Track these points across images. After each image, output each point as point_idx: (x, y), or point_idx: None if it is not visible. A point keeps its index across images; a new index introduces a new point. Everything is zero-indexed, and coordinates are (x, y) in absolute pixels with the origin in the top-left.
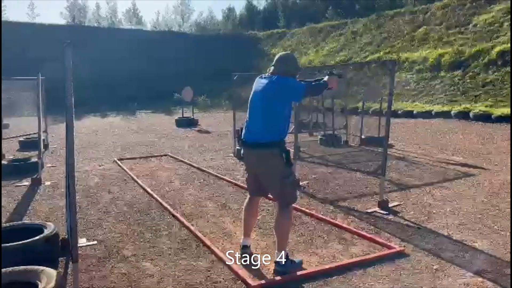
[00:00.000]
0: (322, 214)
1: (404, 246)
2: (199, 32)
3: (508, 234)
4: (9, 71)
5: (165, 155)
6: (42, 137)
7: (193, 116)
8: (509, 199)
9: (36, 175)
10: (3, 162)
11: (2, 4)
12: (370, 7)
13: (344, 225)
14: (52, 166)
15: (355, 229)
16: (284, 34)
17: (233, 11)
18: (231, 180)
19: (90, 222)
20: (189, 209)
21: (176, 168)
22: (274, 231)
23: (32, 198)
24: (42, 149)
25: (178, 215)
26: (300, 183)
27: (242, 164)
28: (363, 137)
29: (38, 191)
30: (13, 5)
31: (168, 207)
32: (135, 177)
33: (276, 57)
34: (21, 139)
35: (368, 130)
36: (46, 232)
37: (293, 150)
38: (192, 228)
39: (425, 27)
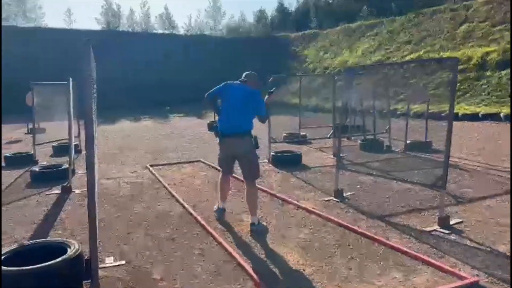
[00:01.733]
0: (372, 233)
1: (477, 275)
2: (231, 35)
3: None
4: (48, 76)
5: (198, 161)
6: (75, 142)
7: None
8: None
9: (66, 183)
10: (35, 168)
11: (41, 11)
12: (407, 5)
13: (402, 248)
14: (84, 173)
15: (415, 253)
16: (317, 35)
17: (264, 13)
18: (267, 190)
19: (119, 237)
20: (223, 223)
21: (209, 175)
22: (247, 202)
23: (61, 208)
24: (74, 155)
25: (212, 231)
26: (344, 194)
27: (278, 172)
28: (408, 141)
29: (68, 200)
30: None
31: (201, 220)
32: (167, 186)
33: (247, 73)
34: (54, 144)
35: (411, 134)
36: (69, 252)
37: (331, 156)
38: (229, 248)
39: (468, 24)
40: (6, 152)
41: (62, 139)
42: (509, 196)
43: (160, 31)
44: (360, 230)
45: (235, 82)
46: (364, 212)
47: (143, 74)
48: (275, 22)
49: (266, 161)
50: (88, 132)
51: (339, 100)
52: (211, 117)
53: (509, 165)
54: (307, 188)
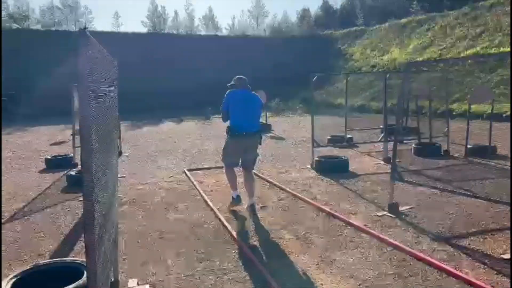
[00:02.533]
0: (438, 259)
1: None
2: (273, 35)
3: None
4: None
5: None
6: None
7: (266, 121)
8: None
9: None
10: (72, 172)
11: (90, 16)
12: None
13: (481, 284)
14: (121, 177)
15: None
16: (363, 32)
17: (308, 12)
18: (311, 201)
19: (147, 253)
20: (261, 240)
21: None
22: (247, 186)
23: None
24: None
25: (248, 251)
26: (400, 208)
27: (322, 179)
28: (469, 146)
29: None
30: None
31: (236, 235)
32: (203, 193)
33: (240, 77)
34: None
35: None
36: (84, 277)
37: (381, 162)
38: (266, 275)
39: None
40: (48, 154)
41: None
42: None
43: (203, 33)
44: (424, 256)
45: (237, 89)
46: (425, 231)
47: (187, 75)
48: (319, 20)
49: (309, 166)
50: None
51: (391, 100)
52: None
53: None
54: (356, 200)
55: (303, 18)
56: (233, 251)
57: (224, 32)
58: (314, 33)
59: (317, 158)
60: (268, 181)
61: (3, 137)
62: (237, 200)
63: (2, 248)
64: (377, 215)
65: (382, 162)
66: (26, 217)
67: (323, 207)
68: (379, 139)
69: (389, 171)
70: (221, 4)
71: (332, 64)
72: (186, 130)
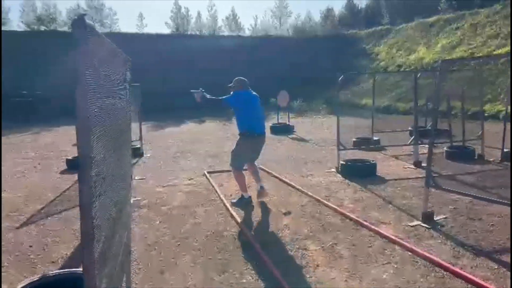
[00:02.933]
0: (482, 277)
1: None
2: (296, 35)
3: None
4: None
5: (259, 168)
6: (137, 145)
7: (289, 122)
8: None
9: None
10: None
11: (115, 17)
12: None
13: None
14: (141, 179)
15: None
16: (389, 31)
17: (332, 12)
18: (337, 208)
19: (163, 262)
20: (284, 251)
21: (270, 186)
22: (255, 176)
23: None
24: (133, 160)
25: (270, 263)
26: (435, 218)
27: (349, 184)
28: (505, 150)
29: None
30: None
31: (257, 245)
32: (223, 197)
33: (241, 78)
34: None
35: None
36: None
37: (411, 166)
38: None
39: None
40: (70, 154)
41: None
42: None
43: (226, 33)
44: (464, 273)
45: (241, 90)
46: (464, 244)
47: (209, 76)
48: (343, 20)
49: (334, 170)
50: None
51: (419, 100)
52: (274, 119)
53: None
54: (386, 208)
55: (327, 18)
56: (254, 263)
57: (247, 32)
58: (338, 32)
59: (342, 162)
60: (290, 185)
61: (30, 136)
62: (248, 200)
63: (16, 254)
64: (410, 225)
65: (412, 166)
66: (42, 221)
67: (350, 214)
68: (409, 141)
69: (420, 176)
70: (244, 4)
71: (357, 64)
72: (207, 131)
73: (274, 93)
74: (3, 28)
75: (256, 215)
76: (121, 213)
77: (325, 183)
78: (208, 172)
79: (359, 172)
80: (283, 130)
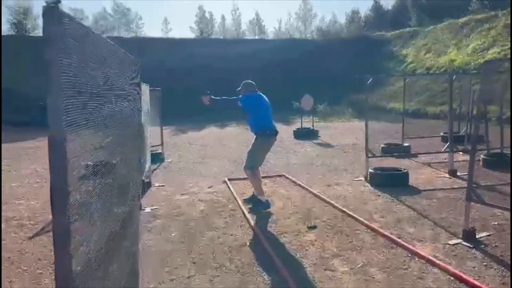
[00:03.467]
0: None
1: None
2: (321, 37)
3: None
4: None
5: (281, 176)
6: (158, 150)
7: (313, 126)
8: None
9: None
10: None
11: (140, 22)
12: None
13: None
14: (160, 186)
15: None
16: (417, 33)
17: (358, 14)
18: (367, 223)
19: (176, 283)
20: (310, 272)
21: (292, 195)
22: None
23: None
24: (154, 165)
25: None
26: (477, 235)
27: (379, 195)
28: None
29: None
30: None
31: (280, 265)
32: (243, 207)
33: (249, 81)
34: None
35: None
36: None
37: (445, 175)
38: None
39: None
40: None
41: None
42: None
43: (249, 37)
44: None
45: (253, 93)
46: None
47: (232, 80)
48: (369, 22)
49: (362, 179)
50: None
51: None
52: (298, 123)
53: None
54: (422, 223)
55: (353, 20)
56: (277, 280)
57: (271, 35)
58: (364, 34)
59: (371, 170)
60: (315, 195)
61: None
62: (267, 205)
63: (24, 268)
64: (450, 244)
65: (446, 175)
66: None
67: (382, 230)
68: (444, 148)
69: (456, 186)
70: (269, 7)
71: (383, 67)
72: (229, 135)
73: (298, 97)
74: (34, 34)
75: (278, 228)
76: (125, 229)
77: (353, 193)
78: (229, 180)
79: (390, 182)
80: (307, 134)
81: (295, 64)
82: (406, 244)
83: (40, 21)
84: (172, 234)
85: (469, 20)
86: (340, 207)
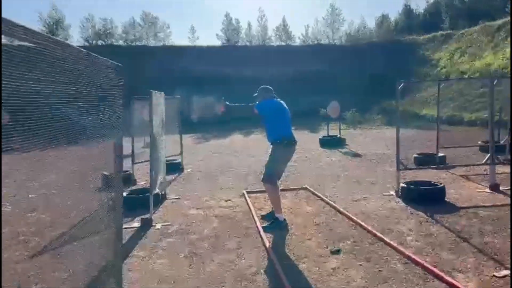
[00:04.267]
0: None
1: None
2: (349, 42)
3: None
4: (172, 90)
5: (303, 189)
6: (177, 160)
7: (340, 134)
8: None
9: (147, 215)
10: (123, 194)
11: (168, 30)
12: None
13: None
14: (176, 198)
15: None
16: (450, 36)
17: (387, 18)
18: (399, 248)
19: None
20: None
21: (315, 211)
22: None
23: (131, 252)
24: (170, 176)
25: None
26: None
27: (411, 213)
28: None
29: (143, 239)
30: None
31: None
32: (259, 226)
33: (266, 86)
34: None
35: None
36: None
37: (486, 189)
38: None
39: None
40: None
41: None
42: None
43: (277, 43)
44: None
45: (269, 99)
46: None
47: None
48: (399, 25)
49: (393, 193)
50: None
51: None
52: (324, 131)
53: None
54: (462, 248)
55: (382, 24)
56: None
57: (298, 41)
58: (394, 39)
59: (403, 184)
60: (340, 212)
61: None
62: (284, 224)
63: None
64: (497, 276)
65: (487, 190)
66: (59, 249)
67: (416, 258)
68: (484, 160)
69: (499, 203)
70: (295, 14)
71: (415, 71)
72: (252, 143)
73: (325, 103)
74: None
75: (297, 251)
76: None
77: (383, 210)
78: (248, 192)
79: (425, 197)
80: (333, 143)
81: (322, 70)
82: (445, 276)
83: (72, 32)
84: (181, 257)
85: (505, 22)
86: (369, 228)
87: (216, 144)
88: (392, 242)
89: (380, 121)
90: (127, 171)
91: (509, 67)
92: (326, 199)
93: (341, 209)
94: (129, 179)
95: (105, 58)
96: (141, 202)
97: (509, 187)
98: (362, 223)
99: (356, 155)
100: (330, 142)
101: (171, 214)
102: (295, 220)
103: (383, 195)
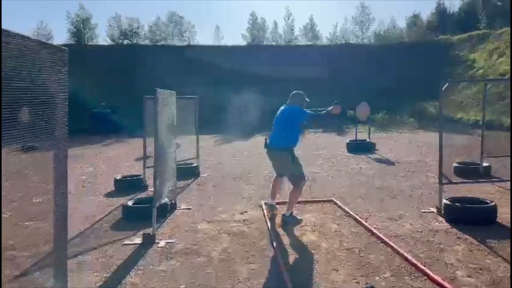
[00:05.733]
0: None
1: None
2: (379, 42)
3: None
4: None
5: (329, 201)
6: (194, 164)
7: (369, 138)
8: None
9: (150, 230)
10: (129, 202)
11: (193, 30)
12: None
13: None
14: (186, 209)
15: None
16: (487, 36)
17: (419, 17)
18: (446, 286)
19: None
20: None
21: (343, 232)
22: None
23: (124, 278)
24: (175, 184)
25: None
26: None
27: (458, 237)
28: None
29: (143, 259)
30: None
31: None
32: (275, 247)
33: (293, 92)
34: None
35: None
36: None
37: None
38: None
39: None
40: (127, 170)
41: (183, 160)
42: None
43: (303, 43)
44: None
45: (288, 104)
46: None
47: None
48: (432, 25)
49: (434, 211)
50: None
51: None
52: (352, 135)
53: None
54: None
55: (414, 23)
56: None
57: (325, 41)
58: (426, 38)
59: (447, 200)
60: (373, 233)
61: (98, 148)
62: (273, 206)
63: None
64: None
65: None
66: (50, 268)
67: None
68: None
69: None
70: (323, 12)
71: (449, 72)
72: None
73: (354, 104)
74: (92, 42)
75: (320, 283)
76: None
77: (423, 232)
78: (266, 204)
79: (474, 218)
80: (362, 148)
81: (350, 70)
82: None
83: (98, 31)
84: (182, 286)
85: None
86: (409, 257)
87: (238, 146)
88: (439, 279)
89: (412, 124)
90: (138, 175)
91: None
92: (356, 216)
93: (375, 231)
94: (139, 184)
95: (42, 41)
96: (148, 213)
97: None
98: (401, 251)
99: (387, 161)
100: (358, 147)
101: (178, 229)
102: (320, 242)
103: (422, 212)
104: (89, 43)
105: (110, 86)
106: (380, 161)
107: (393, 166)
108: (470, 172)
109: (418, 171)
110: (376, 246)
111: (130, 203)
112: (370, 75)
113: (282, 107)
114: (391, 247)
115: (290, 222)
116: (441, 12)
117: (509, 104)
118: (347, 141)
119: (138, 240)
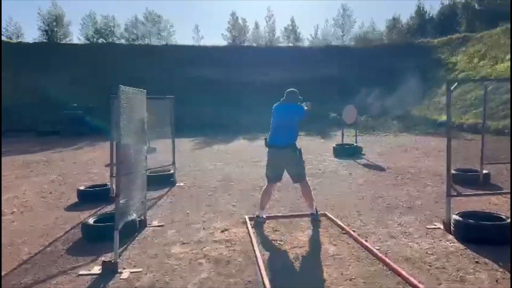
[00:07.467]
0: None
1: None
2: (360, 44)
3: None
4: (172, 91)
5: (322, 215)
6: (171, 171)
7: (356, 142)
8: None
9: (110, 257)
10: (90, 220)
11: (172, 29)
12: None
13: None
14: (158, 226)
15: None
16: (467, 39)
17: (399, 20)
18: None
19: None
20: None
21: (342, 254)
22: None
23: None
24: (145, 198)
25: None
26: None
27: (477, 261)
28: None
29: None
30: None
31: None
32: (264, 277)
33: (288, 90)
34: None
35: None
36: None
37: None
38: None
39: None
40: (94, 179)
41: (156, 167)
42: None
43: (283, 44)
44: None
45: (281, 103)
46: None
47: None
48: (412, 28)
49: (440, 227)
50: None
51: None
52: (337, 138)
53: None
54: None
55: (394, 26)
56: None
57: (306, 43)
58: (406, 41)
59: (457, 217)
60: (376, 257)
61: (68, 153)
62: (262, 218)
63: None
64: None
65: None
66: None
67: None
68: None
69: None
70: (304, 14)
71: (430, 75)
72: (259, 150)
73: (336, 107)
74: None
75: None
76: None
77: (434, 254)
78: (250, 218)
79: (490, 237)
80: (348, 152)
81: (332, 72)
82: None
83: (72, 28)
84: None
85: None
86: (412, 280)
87: (219, 150)
88: None
89: (396, 127)
90: (105, 185)
91: None
92: (354, 234)
93: (380, 254)
94: (106, 195)
95: None
96: (112, 232)
97: None
98: (413, 280)
99: (378, 167)
100: (345, 152)
101: (146, 254)
102: (317, 270)
103: (428, 228)
104: (62, 42)
105: (88, 87)
106: (369, 166)
107: (385, 173)
108: (469, 180)
109: (412, 178)
110: (383, 274)
111: (91, 220)
112: (352, 77)
113: (276, 104)
114: (401, 275)
115: (317, 218)
116: (420, 15)
117: (509, 104)
118: (334, 145)
119: (97, 269)
